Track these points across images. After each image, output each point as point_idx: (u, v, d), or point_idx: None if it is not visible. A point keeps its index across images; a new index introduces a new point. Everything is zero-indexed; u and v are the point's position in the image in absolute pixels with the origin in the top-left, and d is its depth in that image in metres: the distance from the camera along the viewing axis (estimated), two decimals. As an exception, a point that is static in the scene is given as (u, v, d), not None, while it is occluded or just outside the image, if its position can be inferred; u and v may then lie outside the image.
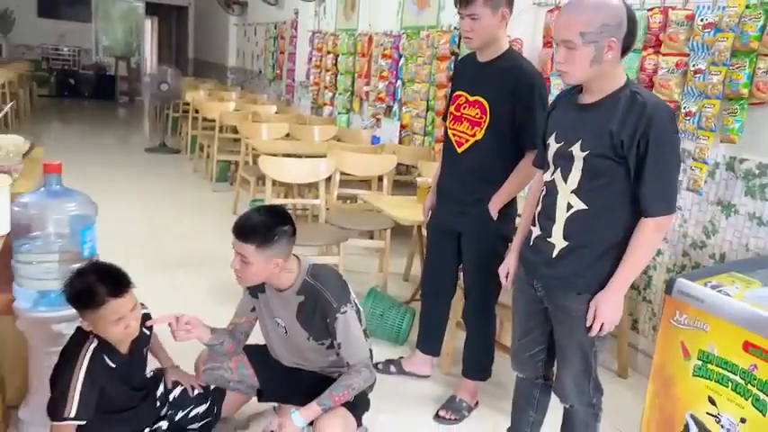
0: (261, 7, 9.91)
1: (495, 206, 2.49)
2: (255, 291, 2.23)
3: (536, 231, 1.96)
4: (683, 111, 2.89)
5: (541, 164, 2.02)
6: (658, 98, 1.80)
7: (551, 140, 1.90)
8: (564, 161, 1.85)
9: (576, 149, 1.80)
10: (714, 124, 2.74)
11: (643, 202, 1.76)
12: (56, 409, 1.80)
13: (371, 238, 4.32)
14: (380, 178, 4.35)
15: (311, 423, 2.05)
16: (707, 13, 2.77)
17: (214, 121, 6.67)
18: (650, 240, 1.79)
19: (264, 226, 2.03)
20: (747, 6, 2.60)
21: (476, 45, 2.46)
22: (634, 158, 1.73)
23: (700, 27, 2.79)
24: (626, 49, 1.77)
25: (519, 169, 2.44)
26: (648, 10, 3.05)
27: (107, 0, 14.99)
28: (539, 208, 1.97)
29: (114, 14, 15.26)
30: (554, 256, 1.88)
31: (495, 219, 2.50)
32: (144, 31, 16.29)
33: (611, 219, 1.81)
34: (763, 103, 2.59)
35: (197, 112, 7.50)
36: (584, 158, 1.79)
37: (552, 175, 1.89)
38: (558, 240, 1.88)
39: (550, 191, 1.90)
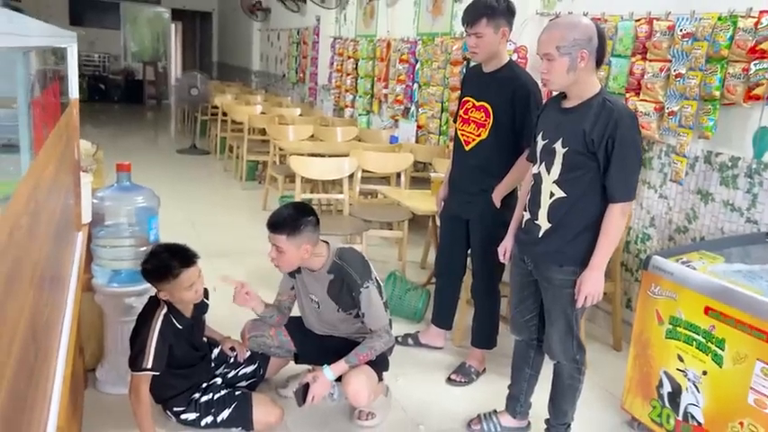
0: (283, 14, 10.27)
1: (497, 196, 2.84)
2: (293, 272, 2.63)
3: (526, 216, 2.33)
4: (666, 111, 3.23)
5: (533, 158, 2.39)
6: (624, 105, 2.15)
7: (539, 138, 2.27)
8: (548, 156, 2.21)
9: (558, 146, 2.16)
10: (692, 122, 3.08)
11: (609, 190, 2.11)
12: (136, 362, 2.19)
13: (391, 229, 4.71)
14: (398, 174, 4.73)
15: (339, 379, 2.46)
16: (685, 24, 3.11)
17: (242, 123, 7.03)
18: (617, 223, 2.14)
19: (292, 218, 2.41)
20: (719, 18, 2.93)
21: (480, 59, 2.84)
22: (602, 154, 2.08)
23: (679, 36, 3.13)
24: (599, 60, 2.13)
25: (518, 164, 2.77)
26: (636, 20, 3.40)
27: (134, 7, 15.48)
28: (528, 196, 2.33)
29: (141, 21, 15.68)
30: (540, 235, 2.25)
31: (498, 207, 2.85)
32: (170, 37, 16.72)
33: (585, 205, 2.16)
34: (733, 104, 2.91)
35: (225, 115, 7.88)
36: (563, 154, 2.14)
37: (539, 168, 2.25)
38: (544, 222, 2.24)
39: (537, 181, 2.26)
